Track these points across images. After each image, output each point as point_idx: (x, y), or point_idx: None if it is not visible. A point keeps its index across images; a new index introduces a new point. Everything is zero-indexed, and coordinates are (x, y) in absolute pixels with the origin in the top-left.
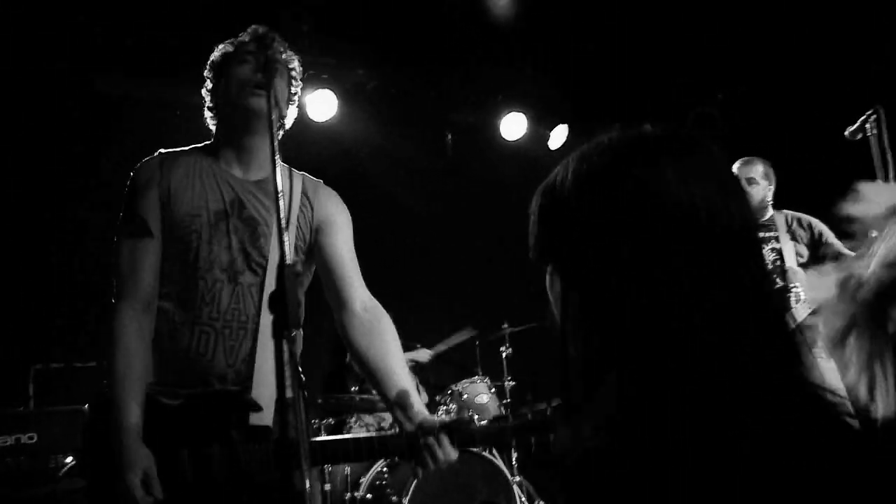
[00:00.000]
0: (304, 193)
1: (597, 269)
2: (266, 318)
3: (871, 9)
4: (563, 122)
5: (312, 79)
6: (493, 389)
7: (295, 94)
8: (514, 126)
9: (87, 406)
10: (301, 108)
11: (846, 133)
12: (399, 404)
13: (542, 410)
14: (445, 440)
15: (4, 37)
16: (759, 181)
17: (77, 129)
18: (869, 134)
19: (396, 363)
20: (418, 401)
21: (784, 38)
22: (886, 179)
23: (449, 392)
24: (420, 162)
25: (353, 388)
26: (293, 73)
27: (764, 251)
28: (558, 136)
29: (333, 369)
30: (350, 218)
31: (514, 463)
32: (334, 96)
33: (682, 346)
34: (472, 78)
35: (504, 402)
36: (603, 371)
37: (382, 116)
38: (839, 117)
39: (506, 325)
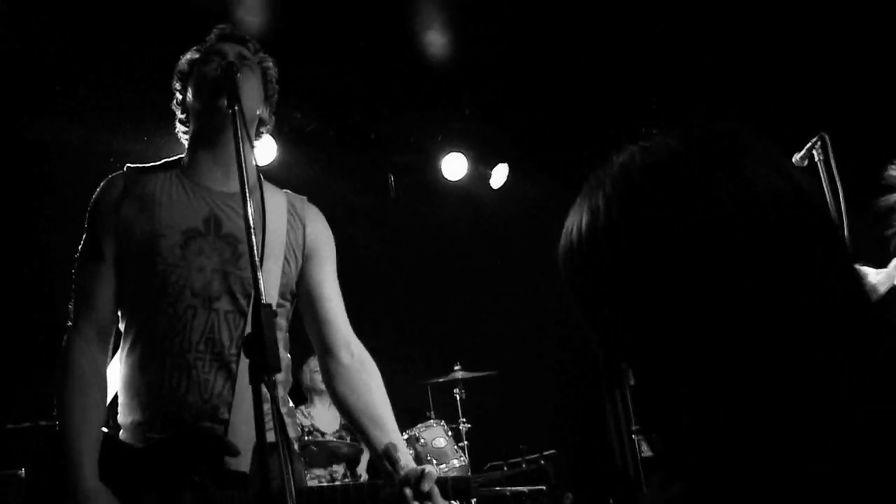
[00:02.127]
0: (291, 211)
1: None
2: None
3: (819, 34)
4: (503, 162)
5: None
6: (449, 433)
7: (272, 96)
8: (454, 166)
9: (25, 467)
10: None
11: (794, 159)
12: (387, 456)
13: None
14: (436, 491)
15: None
16: None
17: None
18: (816, 159)
19: (384, 414)
20: (405, 453)
21: (727, 67)
22: (837, 203)
23: (405, 437)
24: (363, 204)
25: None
26: (269, 74)
27: None
28: (499, 175)
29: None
30: (334, 247)
31: None
32: (273, 140)
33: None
34: (411, 119)
35: (460, 444)
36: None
37: (322, 160)
38: (785, 143)
39: (458, 367)
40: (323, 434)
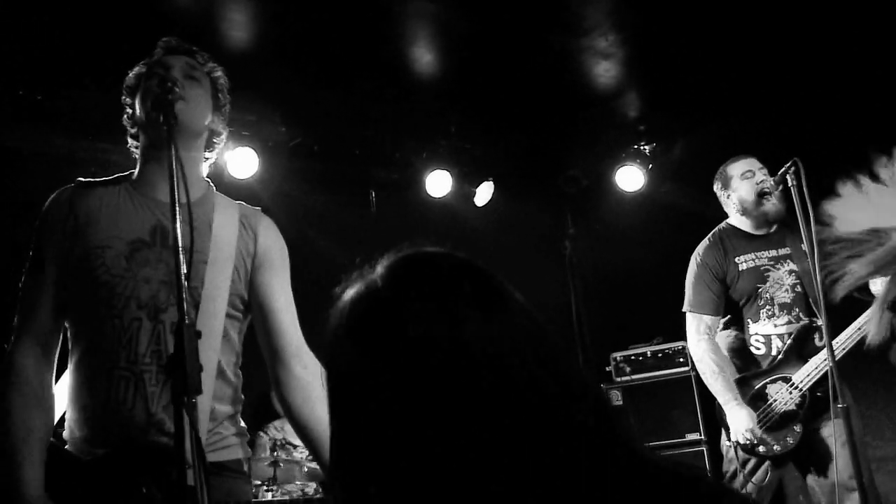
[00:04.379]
0: (244, 222)
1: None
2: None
3: (792, 61)
4: (487, 180)
5: (233, 136)
6: None
7: (223, 106)
8: (438, 183)
9: None
10: (221, 165)
11: (768, 183)
12: None
13: None
14: None
15: None
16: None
17: None
18: (790, 185)
19: None
20: None
21: (708, 87)
22: (808, 228)
23: None
24: (344, 220)
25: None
26: (219, 84)
27: (779, 274)
28: (484, 194)
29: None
30: (288, 257)
31: None
32: (255, 154)
33: None
34: (396, 135)
35: None
36: None
37: (305, 174)
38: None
39: None
40: (295, 447)
